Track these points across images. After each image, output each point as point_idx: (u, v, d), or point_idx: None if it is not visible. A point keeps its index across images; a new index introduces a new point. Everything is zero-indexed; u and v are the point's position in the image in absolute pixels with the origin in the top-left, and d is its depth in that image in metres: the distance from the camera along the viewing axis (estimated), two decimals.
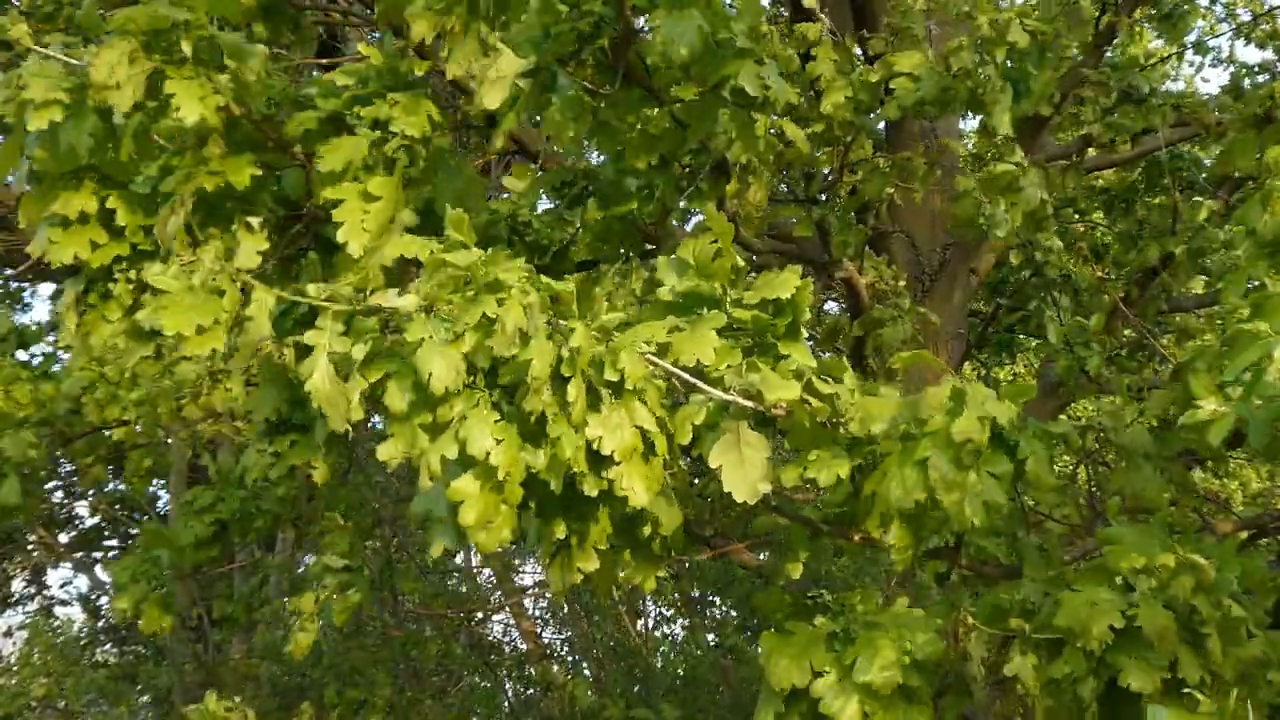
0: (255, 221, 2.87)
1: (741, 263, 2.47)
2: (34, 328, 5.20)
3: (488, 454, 2.14)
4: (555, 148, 5.77)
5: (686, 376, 2.29)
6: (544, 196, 4.09)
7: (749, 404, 2.28)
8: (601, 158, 3.87)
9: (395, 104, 2.96)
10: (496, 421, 2.17)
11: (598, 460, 2.20)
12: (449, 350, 2.11)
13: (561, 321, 2.21)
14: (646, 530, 2.42)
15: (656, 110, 3.37)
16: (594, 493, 2.21)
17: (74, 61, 2.75)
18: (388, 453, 2.19)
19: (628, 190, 3.61)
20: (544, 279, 2.23)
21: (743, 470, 2.31)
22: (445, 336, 2.12)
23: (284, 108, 3.10)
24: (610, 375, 2.16)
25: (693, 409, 2.30)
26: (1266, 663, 2.57)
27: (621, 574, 2.55)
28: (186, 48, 2.73)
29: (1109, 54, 7.27)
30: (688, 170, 3.63)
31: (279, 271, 3.18)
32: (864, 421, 2.41)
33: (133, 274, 2.87)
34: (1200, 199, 6.85)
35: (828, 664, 2.61)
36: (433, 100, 3.07)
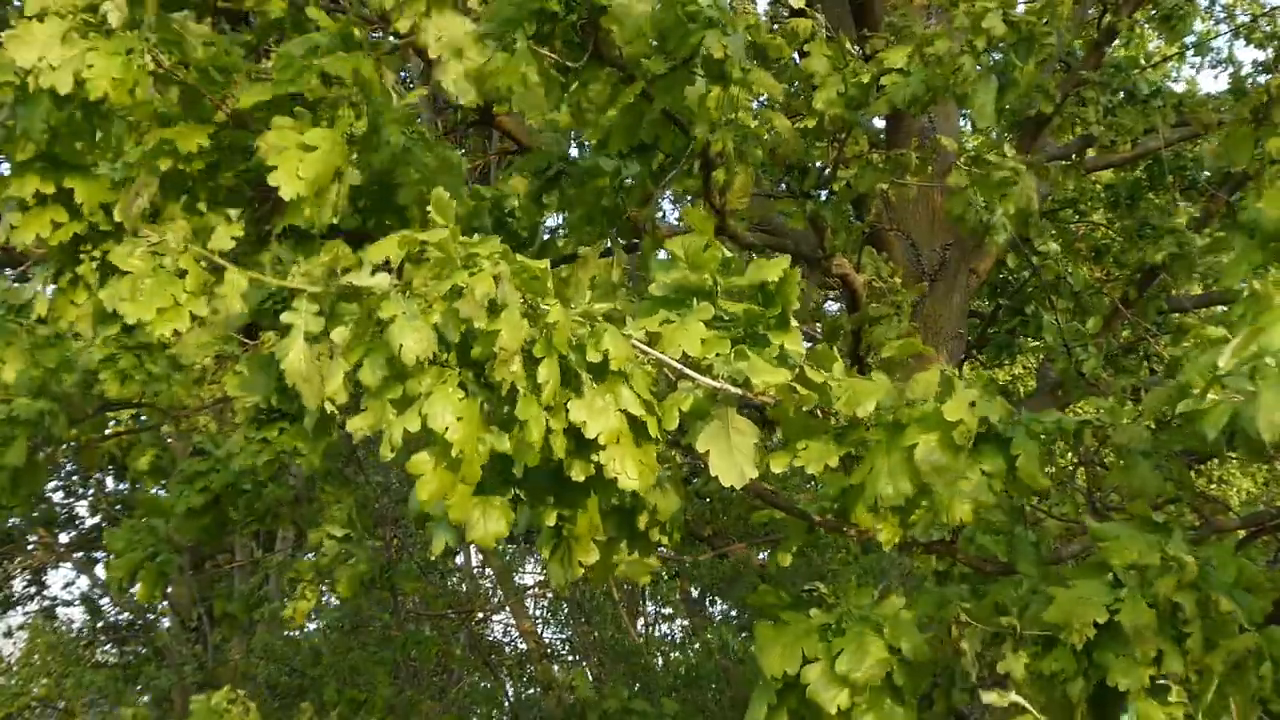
0: (234, 212, 2.88)
1: (730, 254, 2.47)
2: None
3: (445, 429, 2.14)
4: (533, 126, 5.76)
5: (675, 364, 2.28)
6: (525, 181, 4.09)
7: (737, 391, 2.28)
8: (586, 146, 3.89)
9: (335, 57, 2.97)
10: (461, 400, 2.17)
11: (583, 445, 2.20)
12: (420, 323, 2.11)
13: (540, 302, 2.20)
14: (644, 520, 2.42)
15: (628, 89, 3.39)
16: (581, 478, 2.21)
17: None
18: (356, 425, 2.19)
19: (603, 172, 3.62)
20: (520, 257, 2.22)
21: (730, 456, 2.30)
22: (417, 311, 2.12)
23: (240, 84, 3.10)
24: (593, 357, 2.16)
25: (680, 395, 2.29)
26: (1258, 655, 2.56)
27: (619, 567, 2.54)
28: (114, 19, 2.72)
29: (1110, 54, 7.27)
30: (670, 158, 3.64)
31: (249, 252, 3.19)
32: (850, 402, 2.41)
33: (97, 254, 2.89)
34: (1188, 203, 6.85)
35: (819, 654, 2.61)
36: (425, 110, 3.07)
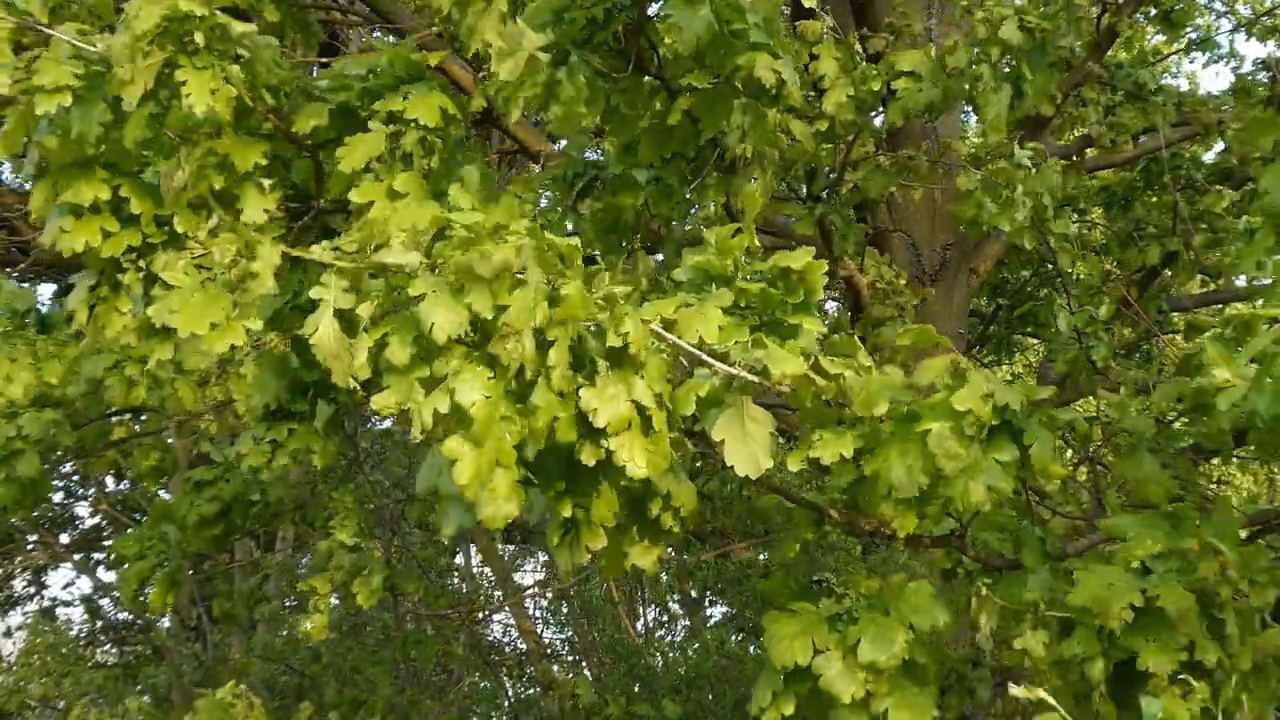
0: (267, 183, 2.87)
1: (758, 244, 2.47)
2: (57, 312, 5.15)
3: (472, 405, 2.13)
4: (560, 140, 5.76)
5: (692, 350, 2.28)
6: (548, 192, 4.10)
7: (754, 379, 2.27)
8: (606, 154, 3.87)
9: (408, 95, 2.97)
10: (490, 378, 2.15)
11: (593, 431, 2.19)
12: (452, 301, 2.10)
13: (561, 282, 2.19)
14: (655, 507, 2.41)
15: (665, 103, 3.37)
16: (592, 462, 2.20)
17: (87, 47, 2.75)
18: (382, 402, 2.17)
19: (635, 183, 3.61)
20: (549, 235, 2.21)
21: (745, 445, 2.30)
22: (446, 288, 2.11)
23: (293, 98, 3.10)
24: (612, 341, 2.16)
25: (697, 381, 2.28)
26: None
27: (628, 554, 2.52)
28: (199, 38, 2.73)
29: (1111, 53, 7.28)
30: (693, 165, 3.63)
31: (290, 267, 3.17)
32: (866, 403, 2.41)
33: (143, 264, 2.87)
34: (1221, 187, 6.84)
35: (831, 643, 2.61)
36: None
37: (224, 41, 2.81)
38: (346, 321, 2.22)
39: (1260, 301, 2.65)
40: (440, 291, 2.09)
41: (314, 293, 2.21)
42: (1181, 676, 2.47)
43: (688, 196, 3.78)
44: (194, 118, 2.79)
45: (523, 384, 2.16)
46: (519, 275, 2.12)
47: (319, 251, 2.21)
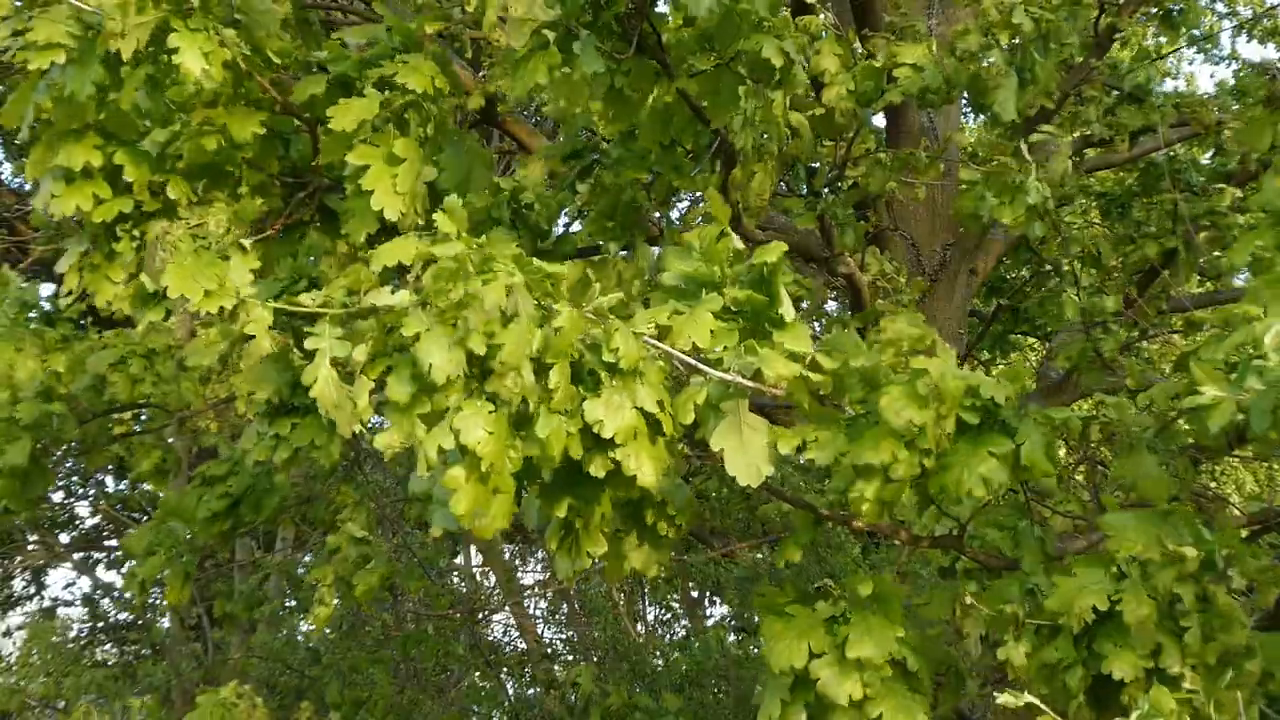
0: (248, 243, 2.88)
1: (741, 245, 2.47)
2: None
3: (477, 444, 2.14)
4: (558, 137, 5.75)
5: (686, 359, 2.28)
6: (551, 174, 4.08)
7: (749, 384, 2.27)
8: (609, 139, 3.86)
9: (402, 63, 2.97)
10: (490, 413, 2.16)
11: (600, 441, 2.19)
12: (448, 342, 2.10)
13: (553, 304, 2.20)
14: (651, 515, 2.41)
15: (667, 88, 3.35)
16: (601, 474, 2.20)
17: (85, 7, 2.73)
18: (385, 441, 2.18)
19: (634, 163, 3.60)
20: (536, 262, 2.21)
21: (745, 454, 2.30)
22: (439, 328, 2.11)
23: (292, 70, 3.09)
24: (608, 357, 2.16)
25: (694, 390, 2.28)
26: (1250, 651, 2.56)
27: (630, 559, 2.52)
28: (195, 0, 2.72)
29: (1111, 53, 7.28)
30: (690, 154, 3.62)
31: (284, 238, 3.18)
32: (842, 387, 2.40)
33: (137, 233, 2.87)
34: (1223, 185, 6.82)
35: (826, 646, 2.60)
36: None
37: (222, 5, 2.81)
38: (343, 366, 2.23)
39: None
40: (435, 330, 2.09)
41: (309, 343, 2.22)
42: (1161, 673, 2.47)
43: (687, 181, 3.76)
44: (187, 82, 2.79)
45: (524, 411, 2.16)
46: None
47: (307, 301, 2.21)
